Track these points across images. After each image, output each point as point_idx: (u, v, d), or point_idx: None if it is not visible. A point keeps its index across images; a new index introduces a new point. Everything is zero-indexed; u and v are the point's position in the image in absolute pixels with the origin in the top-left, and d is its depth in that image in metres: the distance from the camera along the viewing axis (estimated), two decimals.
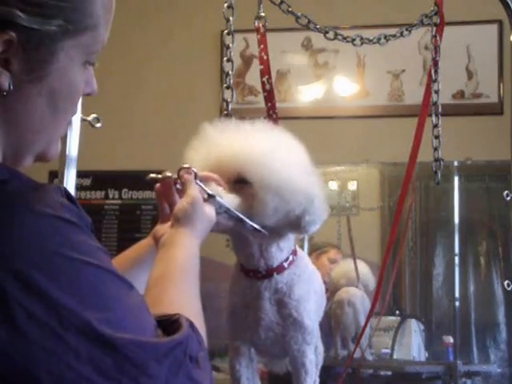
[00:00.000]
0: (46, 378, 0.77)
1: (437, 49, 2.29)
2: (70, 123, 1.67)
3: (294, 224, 1.41)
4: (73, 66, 0.92)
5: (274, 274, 1.46)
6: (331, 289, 4.00)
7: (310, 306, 1.50)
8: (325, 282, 1.70)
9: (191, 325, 0.93)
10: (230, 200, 1.30)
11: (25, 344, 0.77)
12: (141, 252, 1.35)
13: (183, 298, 1.05)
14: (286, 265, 1.47)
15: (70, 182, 1.69)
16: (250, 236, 1.42)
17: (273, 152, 1.38)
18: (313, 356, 1.54)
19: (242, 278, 1.49)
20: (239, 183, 1.35)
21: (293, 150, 1.42)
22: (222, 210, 1.29)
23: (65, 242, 0.82)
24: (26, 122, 0.90)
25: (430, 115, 2.30)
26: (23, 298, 0.77)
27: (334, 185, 4.86)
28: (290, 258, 1.48)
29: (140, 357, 0.82)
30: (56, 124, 0.94)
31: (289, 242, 1.48)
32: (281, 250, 1.46)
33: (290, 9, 1.97)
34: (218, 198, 1.27)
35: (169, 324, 0.91)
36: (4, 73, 0.86)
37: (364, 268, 4.11)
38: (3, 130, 0.90)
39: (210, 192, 1.26)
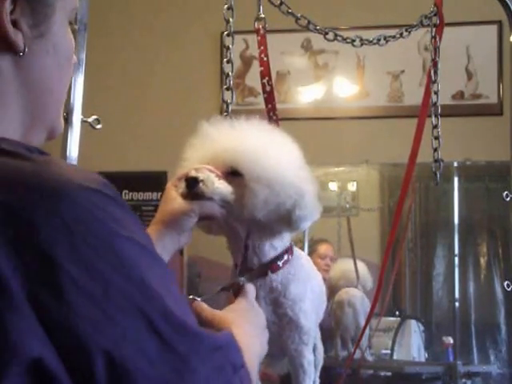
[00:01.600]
0: (96, 353, 0.76)
1: (436, 49, 2.29)
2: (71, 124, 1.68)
3: (285, 219, 1.41)
4: (64, 22, 0.94)
5: (269, 272, 1.46)
6: (330, 289, 4.00)
7: (306, 306, 1.51)
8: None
9: (234, 337, 0.92)
10: (222, 186, 1.34)
11: (72, 315, 0.76)
12: None
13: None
14: (280, 264, 1.47)
15: None
16: (243, 233, 1.43)
17: (264, 146, 1.40)
18: (311, 356, 1.54)
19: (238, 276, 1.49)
20: (232, 175, 1.38)
21: (285, 147, 1.45)
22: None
23: (114, 219, 0.81)
24: (39, 83, 0.92)
25: (430, 116, 2.30)
26: (72, 269, 0.77)
27: (333, 185, 4.87)
28: (285, 257, 1.49)
29: (184, 347, 0.80)
30: (62, 86, 0.96)
31: (283, 240, 1.49)
32: (274, 249, 1.47)
33: (289, 10, 1.97)
34: None
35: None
36: (18, 33, 0.88)
37: (362, 268, 4.11)
38: (21, 95, 0.91)
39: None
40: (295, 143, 1.46)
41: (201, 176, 1.33)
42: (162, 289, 0.82)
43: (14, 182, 0.79)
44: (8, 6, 0.86)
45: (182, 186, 1.34)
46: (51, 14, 0.90)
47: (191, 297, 1.25)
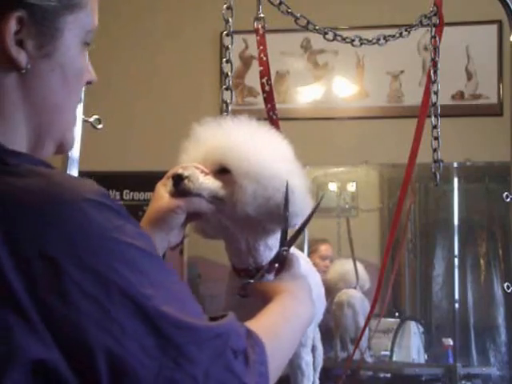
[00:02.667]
0: (99, 351, 0.82)
1: (436, 49, 2.29)
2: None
3: (276, 214, 1.41)
4: (75, 43, 0.99)
5: (265, 273, 1.46)
6: (328, 290, 3.98)
7: None
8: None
9: (236, 322, 0.98)
10: (208, 181, 1.36)
11: (76, 316, 0.83)
12: None
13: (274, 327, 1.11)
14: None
15: None
16: (239, 233, 1.43)
17: (252, 143, 1.42)
18: (308, 357, 1.54)
19: (235, 278, 1.49)
20: (222, 173, 1.39)
21: (274, 143, 1.46)
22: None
23: (111, 226, 0.88)
24: (44, 100, 0.97)
25: (430, 116, 2.30)
26: (76, 274, 0.84)
27: (333, 186, 4.86)
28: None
29: (181, 339, 0.86)
30: (69, 103, 1.01)
31: (277, 240, 1.48)
32: (270, 249, 1.46)
33: (289, 10, 1.97)
34: None
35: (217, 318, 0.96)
36: (21, 51, 0.93)
37: (359, 268, 4.11)
38: (24, 110, 0.96)
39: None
40: (289, 142, 1.48)
41: (186, 173, 1.35)
42: (161, 288, 0.89)
43: (18, 195, 0.86)
44: (13, 26, 0.92)
45: (169, 184, 1.35)
46: (58, 36, 0.96)
47: (246, 281, 1.37)
